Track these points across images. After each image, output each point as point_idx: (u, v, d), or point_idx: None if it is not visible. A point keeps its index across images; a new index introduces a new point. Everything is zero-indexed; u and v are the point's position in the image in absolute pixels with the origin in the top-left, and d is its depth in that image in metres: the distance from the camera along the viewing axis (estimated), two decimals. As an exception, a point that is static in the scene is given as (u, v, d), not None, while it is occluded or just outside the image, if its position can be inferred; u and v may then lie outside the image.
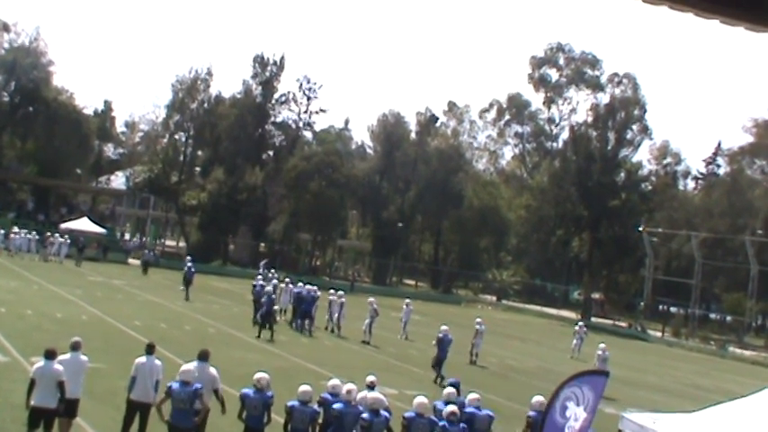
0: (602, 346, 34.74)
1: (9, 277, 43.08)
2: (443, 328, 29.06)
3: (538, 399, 15.25)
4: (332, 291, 39.60)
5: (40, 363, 13.18)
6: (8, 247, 58.92)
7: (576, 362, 39.48)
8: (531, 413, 14.93)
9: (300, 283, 39.99)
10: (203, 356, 14.57)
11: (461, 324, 46.72)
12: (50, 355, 13.26)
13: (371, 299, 38.51)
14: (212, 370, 14.45)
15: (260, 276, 41.88)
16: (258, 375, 13.43)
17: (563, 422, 9.15)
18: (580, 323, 49.58)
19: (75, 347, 14.10)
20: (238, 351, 27.75)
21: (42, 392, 12.98)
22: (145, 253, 65.09)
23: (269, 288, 35.66)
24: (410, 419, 12.82)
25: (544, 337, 55.71)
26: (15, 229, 61.62)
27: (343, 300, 38.15)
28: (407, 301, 42.35)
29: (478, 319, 35.81)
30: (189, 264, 47.53)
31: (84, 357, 14.19)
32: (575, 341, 44.49)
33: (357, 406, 13.33)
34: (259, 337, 31.91)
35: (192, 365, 13.78)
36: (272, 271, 47.70)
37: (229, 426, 14.67)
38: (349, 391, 13.36)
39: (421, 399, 13.25)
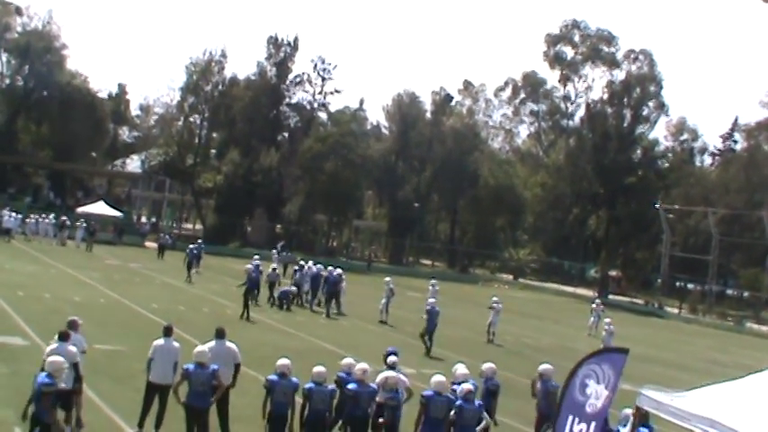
0: (607, 320, 35.86)
1: (27, 261, 43.36)
2: (430, 300, 30.48)
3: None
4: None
5: (53, 345, 13.20)
6: (24, 232, 59.17)
7: (593, 339, 39.54)
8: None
9: (314, 264, 39.99)
10: (221, 334, 14.79)
11: (478, 303, 46.79)
12: (64, 336, 13.30)
13: (388, 279, 38.54)
14: (232, 345, 14.72)
15: (257, 257, 40.97)
16: (283, 362, 13.41)
17: (583, 400, 9.11)
18: (597, 301, 49.50)
19: (72, 326, 14.09)
20: (256, 332, 27.87)
21: (58, 374, 13.02)
22: (161, 236, 65.12)
23: (250, 266, 34.86)
24: (428, 398, 12.84)
25: (561, 315, 55.66)
26: (45, 218, 61.53)
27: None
28: (433, 281, 42.38)
29: (495, 298, 35.91)
30: (191, 245, 47.45)
31: (81, 336, 14.21)
32: (591, 319, 44.49)
33: (370, 384, 13.49)
34: (249, 317, 31.59)
35: (206, 347, 13.83)
36: (274, 251, 46.93)
37: (247, 407, 14.71)
38: (363, 371, 13.47)
39: (439, 377, 13.26)
